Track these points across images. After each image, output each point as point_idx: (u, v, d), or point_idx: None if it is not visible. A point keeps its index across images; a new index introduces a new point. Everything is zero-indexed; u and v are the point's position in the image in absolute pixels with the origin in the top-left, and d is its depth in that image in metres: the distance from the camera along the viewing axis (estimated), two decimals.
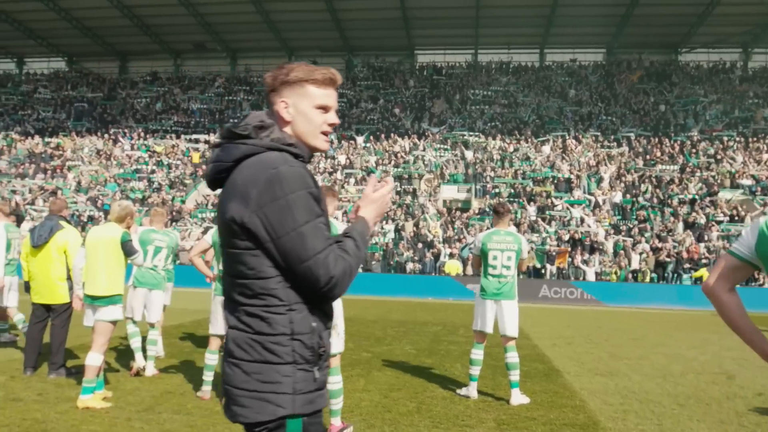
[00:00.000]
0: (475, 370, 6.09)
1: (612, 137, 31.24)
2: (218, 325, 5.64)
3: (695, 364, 8.65)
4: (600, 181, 27.00)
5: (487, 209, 25.87)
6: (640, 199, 25.39)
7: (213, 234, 5.79)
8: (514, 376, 5.91)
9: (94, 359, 5.25)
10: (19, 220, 24.62)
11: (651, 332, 12.62)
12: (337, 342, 4.74)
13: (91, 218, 26.21)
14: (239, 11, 35.85)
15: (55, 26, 38.83)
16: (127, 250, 5.54)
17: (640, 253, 22.08)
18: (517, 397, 5.89)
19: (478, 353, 6.11)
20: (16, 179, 30.65)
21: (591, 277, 21.74)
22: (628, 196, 25.75)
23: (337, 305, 4.87)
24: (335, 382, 4.75)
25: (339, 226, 5.22)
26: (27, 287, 6.59)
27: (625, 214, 24.75)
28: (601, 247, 22.87)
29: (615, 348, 9.99)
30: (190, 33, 39.48)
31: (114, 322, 5.42)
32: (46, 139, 34.79)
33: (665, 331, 12.88)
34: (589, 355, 9.14)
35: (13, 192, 29.08)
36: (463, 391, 6.17)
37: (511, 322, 5.99)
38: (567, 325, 13.35)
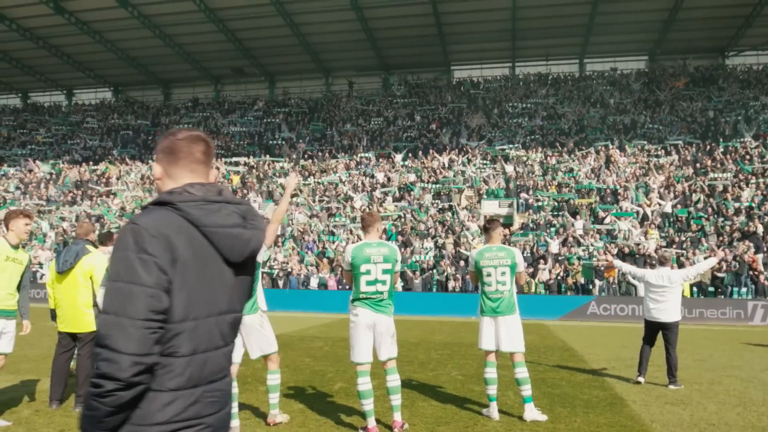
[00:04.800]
0: (492, 390, 6.00)
1: (659, 146, 30.04)
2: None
3: None
4: (648, 191, 25.80)
5: (531, 224, 25.08)
6: (692, 209, 24.16)
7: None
8: (526, 391, 5.90)
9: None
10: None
11: (717, 351, 11.66)
12: (391, 348, 5.32)
13: None
14: (276, 35, 36.29)
15: (102, 58, 40.23)
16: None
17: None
18: (531, 412, 5.81)
19: (490, 371, 6.02)
20: (65, 206, 31.42)
21: (642, 291, 20.61)
22: (679, 206, 24.54)
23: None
24: (393, 380, 5.31)
25: None
26: (53, 315, 6.31)
27: (677, 225, 23.54)
28: (652, 260, 21.73)
29: (681, 371, 9.10)
30: (229, 59, 40.23)
31: None
32: (92, 167, 35.68)
33: (733, 350, 11.90)
34: (655, 380, 8.37)
35: (62, 219, 29.79)
36: (485, 412, 6.09)
37: (516, 336, 5.99)
38: (623, 345, 12.48)
